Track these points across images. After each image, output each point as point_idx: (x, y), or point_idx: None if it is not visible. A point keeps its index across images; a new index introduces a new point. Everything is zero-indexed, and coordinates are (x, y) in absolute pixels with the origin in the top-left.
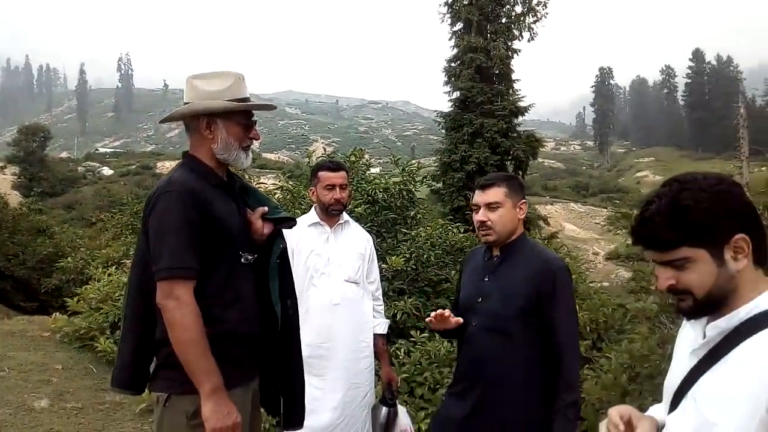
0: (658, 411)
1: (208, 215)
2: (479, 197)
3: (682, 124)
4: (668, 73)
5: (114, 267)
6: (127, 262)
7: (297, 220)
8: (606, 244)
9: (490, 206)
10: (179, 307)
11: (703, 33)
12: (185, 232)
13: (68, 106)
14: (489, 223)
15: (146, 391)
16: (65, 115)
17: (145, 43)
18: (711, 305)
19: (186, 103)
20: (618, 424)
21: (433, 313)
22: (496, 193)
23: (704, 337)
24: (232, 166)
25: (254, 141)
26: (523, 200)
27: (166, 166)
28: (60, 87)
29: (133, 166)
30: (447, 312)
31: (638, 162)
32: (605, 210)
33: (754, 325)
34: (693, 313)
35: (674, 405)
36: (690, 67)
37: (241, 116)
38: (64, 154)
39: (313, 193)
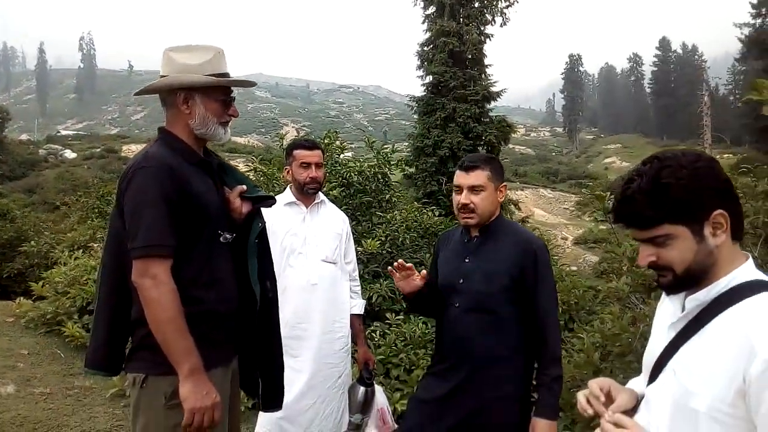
0: (637, 384)
1: (186, 192)
2: (462, 179)
3: (648, 112)
4: (636, 61)
5: (80, 251)
6: (95, 245)
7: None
8: (574, 229)
9: (474, 189)
10: (156, 285)
11: (670, 22)
12: (162, 209)
13: (27, 86)
14: (471, 206)
15: (118, 375)
16: (24, 96)
17: (109, 22)
18: (691, 280)
19: (162, 76)
20: (598, 396)
21: (395, 263)
22: (479, 176)
23: (683, 310)
24: (211, 141)
25: (233, 117)
26: (504, 183)
27: (132, 150)
28: (18, 66)
29: (98, 150)
30: (409, 264)
31: (606, 149)
32: (574, 196)
33: (731, 298)
34: (673, 288)
35: (653, 377)
36: (656, 56)
37: (220, 92)
38: (24, 137)
39: (288, 172)
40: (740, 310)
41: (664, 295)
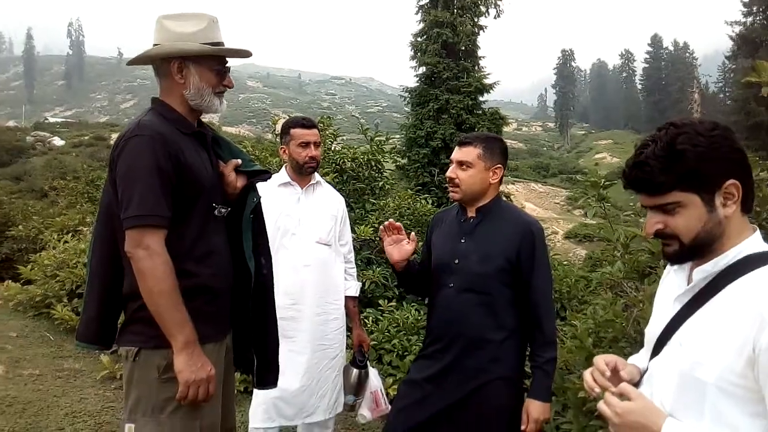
0: (638, 360)
1: (179, 163)
2: (454, 153)
3: (639, 108)
4: (627, 57)
5: (70, 234)
6: (84, 229)
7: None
8: (565, 224)
9: (461, 164)
10: (150, 256)
11: (662, 19)
12: (156, 178)
13: (15, 72)
14: (456, 180)
15: (110, 349)
16: (11, 82)
17: (98, 9)
18: (697, 250)
19: (156, 45)
20: (604, 371)
21: (386, 222)
22: (468, 153)
23: (689, 282)
24: (206, 112)
25: (228, 88)
26: (499, 165)
27: None
28: (5, 52)
29: (86, 137)
30: (399, 224)
31: (597, 144)
32: (565, 190)
33: (740, 269)
34: (678, 258)
35: (657, 351)
36: (648, 52)
37: (215, 61)
38: (11, 123)
39: (284, 151)
40: (750, 280)
41: (667, 268)
